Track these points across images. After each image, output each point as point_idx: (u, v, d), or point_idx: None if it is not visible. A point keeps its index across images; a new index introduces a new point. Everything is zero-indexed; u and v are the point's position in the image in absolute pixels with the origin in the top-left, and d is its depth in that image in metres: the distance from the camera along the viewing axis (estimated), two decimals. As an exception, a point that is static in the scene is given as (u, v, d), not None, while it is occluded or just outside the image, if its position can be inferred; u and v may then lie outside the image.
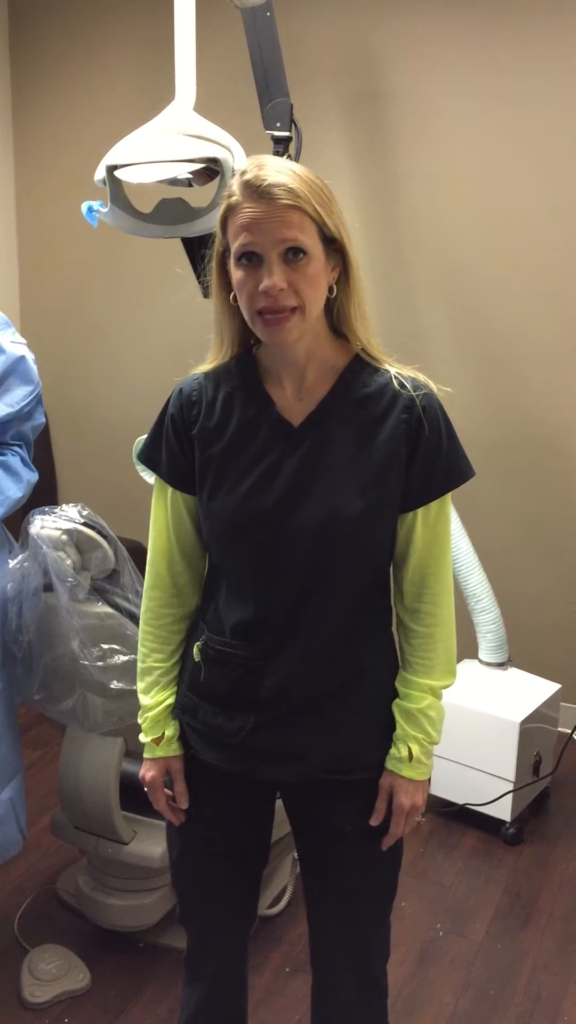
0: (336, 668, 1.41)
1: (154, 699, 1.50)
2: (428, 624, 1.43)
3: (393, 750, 1.43)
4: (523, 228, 3.07)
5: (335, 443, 1.37)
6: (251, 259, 1.29)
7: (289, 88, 2.67)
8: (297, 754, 1.42)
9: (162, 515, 1.48)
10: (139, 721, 1.52)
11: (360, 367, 1.40)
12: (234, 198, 1.30)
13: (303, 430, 1.38)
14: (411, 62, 3.11)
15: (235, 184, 1.30)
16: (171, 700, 1.50)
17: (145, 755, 1.52)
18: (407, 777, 1.43)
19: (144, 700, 1.51)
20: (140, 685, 1.52)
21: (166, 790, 1.51)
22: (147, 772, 1.52)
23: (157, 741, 1.49)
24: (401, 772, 1.43)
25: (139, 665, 1.53)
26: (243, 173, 1.30)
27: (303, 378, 1.39)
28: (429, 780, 1.46)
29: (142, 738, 1.52)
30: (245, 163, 1.32)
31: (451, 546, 1.45)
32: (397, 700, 1.45)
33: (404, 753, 1.42)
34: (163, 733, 1.49)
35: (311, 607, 1.37)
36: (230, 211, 1.31)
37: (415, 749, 1.42)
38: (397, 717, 1.44)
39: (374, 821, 1.44)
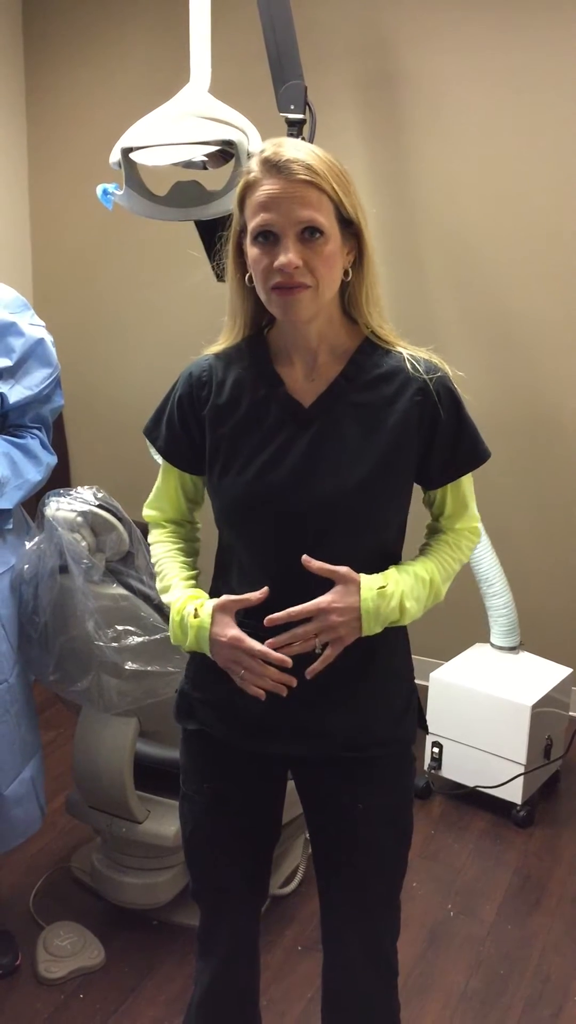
0: (348, 649, 1.40)
1: (178, 594, 1.45)
2: (457, 542, 1.49)
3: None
4: (536, 210, 3.05)
5: (345, 424, 1.38)
6: (268, 238, 1.29)
7: (303, 70, 2.66)
8: (310, 730, 1.44)
9: (166, 479, 1.56)
10: (173, 625, 1.44)
11: (371, 349, 1.41)
12: (252, 174, 1.31)
13: (313, 410, 1.39)
14: (425, 44, 3.09)
15: (254, 162, 1.32)
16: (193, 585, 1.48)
17: (194, 643, 1.40)
18: (361, 602, 1.33)
19: (170, 599, 1.45)
20: (165, 598, 1.47)
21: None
22: (220, 638, 1.37)
23: (198, 612, 1.40)
24: (363, 592, 1.33)
25: (159, 585, 1.49)
26: (262, 152, 1.31)
27: (314, 360, 1.40)
28: (358, 632, 1.34)
29: (179, 633, 1.42)
30: (264, 143, 1.33)
31: (473, 495, 1.51)
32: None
33: (380, 583, 1.35)
34: (199, 602, 1.42)
35: (321, 586, 1.38)
36: (248, 188, 1.32)
37: (389, 590, 1.35)
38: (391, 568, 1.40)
39: (305, 560, 1.32)
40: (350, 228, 1.34)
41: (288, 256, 1.27)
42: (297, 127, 2.69)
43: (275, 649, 1.34)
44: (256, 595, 1.37)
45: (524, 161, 3.04)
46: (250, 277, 1.35)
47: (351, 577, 1.34)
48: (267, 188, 1.28)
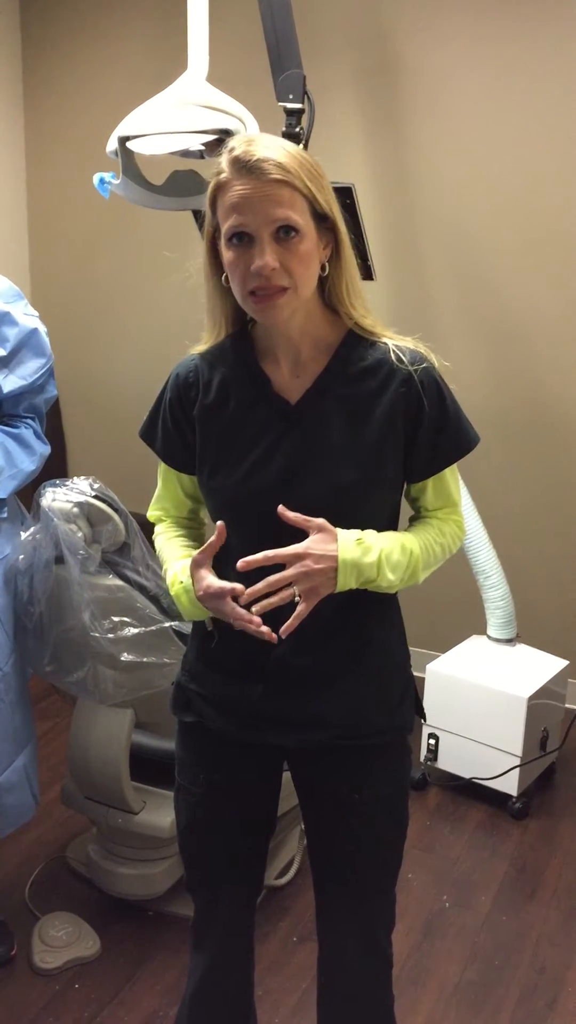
0: (342, 638, 1.42)
1: (172, 571, 1.47)
2: (442, 528, 1.46)
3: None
4: (535, 201, 3.04)
5: (332, 419, 1.37)
6: (242, 239, 1.27)
7: (302, 59, 2.64)
8: (306, 721, 1.44)
9: (167, 481, 1.56)
10: (173, 592, 1.45)
11: (355, 341, 1.40)
12: (223, 175, 1.28)
13: (300, 407, 1.38)
14: (424, 34, 3.08)
15: (223, 161, 1.28)
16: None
17: (195, 609, 1.42)
18: (340, 550, 1.29)
19: (168, 581, 1.47)
20: (168, 578, 1.48)
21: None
22: (199, 593, 1.36)
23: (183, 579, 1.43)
24: (340, 541, 1.30)
25: (164, 569, 1.50)
26: (231, 150, 1.28)
27: (298, 355, 1.39)
28: (333, 584, 1.30)
29: (185, 605, 1.43)
30: (233, 141, 1.30)
31: (460, 491, 1.49)
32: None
33: (357, 535, 1.32)
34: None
35: None
36: (219, 189, 1.29)
37: (368, 543, 1.32)
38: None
39: (281, 511, 1.29)
40: (325, 223, 1.32)
41: (264, 259, 1.25)
42: (295, 117, 2.67)
43: (251, 601, 1.29)
44: (215, 540, 1.34)
45: (523, 152, 3.02)
46: (226, 277, 1.33)
47: (328, 527, 1.31)
48: (239, 189, 1.25)
